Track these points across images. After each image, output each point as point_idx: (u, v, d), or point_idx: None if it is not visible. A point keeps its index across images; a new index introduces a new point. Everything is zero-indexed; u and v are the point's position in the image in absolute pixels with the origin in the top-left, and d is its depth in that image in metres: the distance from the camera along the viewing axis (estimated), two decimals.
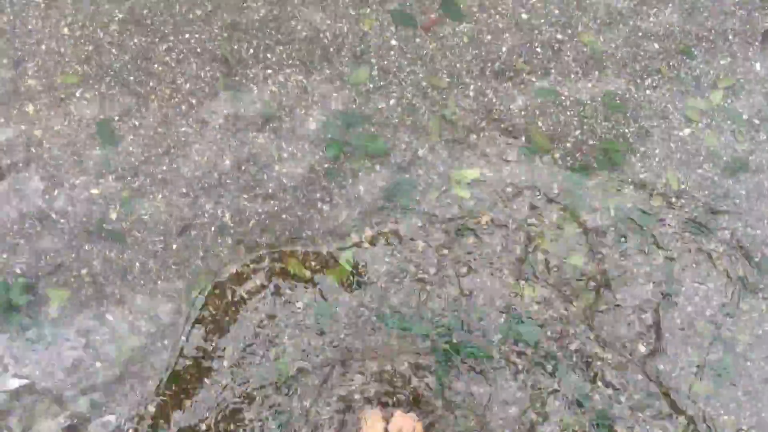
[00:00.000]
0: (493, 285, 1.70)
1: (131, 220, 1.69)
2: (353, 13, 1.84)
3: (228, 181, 1.73)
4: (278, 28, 1.82)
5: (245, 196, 1.72)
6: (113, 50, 1.77)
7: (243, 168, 1.74)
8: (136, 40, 1.78)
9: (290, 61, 1.80)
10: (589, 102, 1.83)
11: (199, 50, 1.79)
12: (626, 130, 1.82)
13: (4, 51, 1.75)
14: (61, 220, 1.69)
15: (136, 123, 1.75)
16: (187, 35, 1.80)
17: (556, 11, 1.88)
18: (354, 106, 1.79)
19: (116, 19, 1.79)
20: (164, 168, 1.73)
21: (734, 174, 1.79)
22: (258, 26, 1.82)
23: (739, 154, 1.81)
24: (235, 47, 1.79)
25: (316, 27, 1.82)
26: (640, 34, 1.88)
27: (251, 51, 1.80)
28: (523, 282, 1.70)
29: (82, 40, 1.77)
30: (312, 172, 1.75)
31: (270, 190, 1.73)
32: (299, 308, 1.66)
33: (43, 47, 1.77)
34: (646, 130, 1.82)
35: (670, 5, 1.90)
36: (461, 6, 1.86)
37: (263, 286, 1.68)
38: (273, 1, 1.83)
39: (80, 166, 1.72)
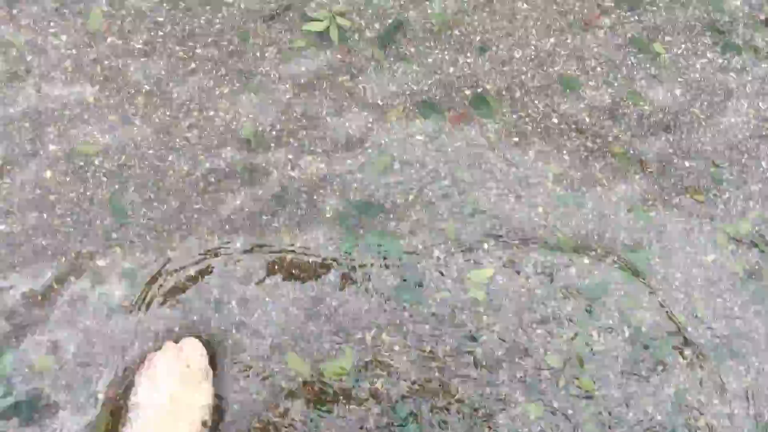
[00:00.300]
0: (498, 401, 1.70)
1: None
2: (380, 102, 1.86)
3: (236, 267, 1.75)
4: (304, 112, 1.85)
5: (254, 283, 1.73)
6: (136, 121, 1.81)
7: (253, 251, 1.76)
8: (160, 113, 1.82)
9: (312, 147, 1.83)
10: (612, 215, 1.84)
11: (222, 130, 1.82)
12: (648, 250, 1.82)
13: (27, 113, 1.79)
14: (62, 291, 1.70)
15: (151, 195, 1.77)
16: (212, 113, 1.83)
17: (587, 119, 1.89)
18: (372, 199, 1.80)
19: (143, 90, 1.82)
20: (174, 244, 1.75)
21: (757, 308, 1.79)
22: (284, 109, 1.84)
23: (764, 285, 1.81)
24: (259, 129, 1.82)
25: (343, 112, 1.85)
26: (671, 150, 1.89)
27: (274, 133, 1.83)
28: (530, 402, 1.70)
29: (107, 109, 1.81)
30: (322, 266, 1.76)
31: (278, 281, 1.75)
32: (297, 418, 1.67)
33: (67, 113, 1.80)
34: (669, 252, 1.82)
35: (703, 122, 1.91)
36: (492, 104, 1.88)
37: (265, 378, 1.69)
38: (301, 84, 1.86)
39: (88, 236, 1.74)
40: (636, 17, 1.97)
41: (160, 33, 1.87)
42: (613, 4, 1.97)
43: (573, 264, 1.81)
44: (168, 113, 1.83)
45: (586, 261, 1.82)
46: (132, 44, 1.86)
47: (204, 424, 1.51)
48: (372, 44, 1.91)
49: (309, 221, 1.79)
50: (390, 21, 1.92)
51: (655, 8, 1.97)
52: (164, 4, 1.89)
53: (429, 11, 1.94)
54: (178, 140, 1.82)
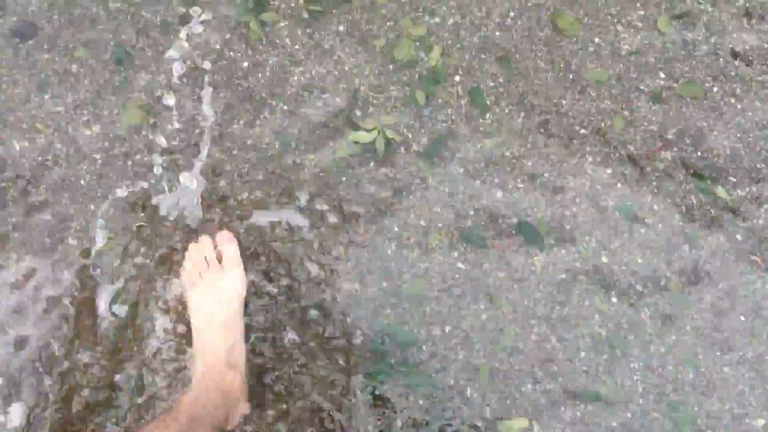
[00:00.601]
0: None
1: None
2: (423, 224, 1.81)
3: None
4: (334, 245, 1.80)
5: (270, 412, 1.67)
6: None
7: (273, 381, 1.70)
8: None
9: (347, 274, 1.77)
10: (659, 366, 1.77)
11: (254, 238, 1.76)
12: (694, 409, 1.75)
13: (50, 204, 1.74)
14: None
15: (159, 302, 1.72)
16: (245, 221, 1.77)
17: (639, 260, 1.83)
18: (407, 327, 1.74)
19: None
20: None
21: None
22: (321, 248, 1.79)
23: None
24: (297, 271, 1.77)
25: (382, 232, 1.79)
26: (725, 304, 1.82)
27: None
28: None
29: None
30: (348, 393, 1.70)
31: (296, 413, 1.68)
32: None
33: (92, 207, 1.75)
34: (717, 415, 1.74)
35: (763, 273, 1.84)
36: (539, 235, 1.81)
37: None
38: (339, 197, 1.81)
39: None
40: (699, 153, 1.91)
41: (197, 131, 1.82)
42: (675, 137, 1.91)
43: (616, 417, 1.74)
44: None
45: (629, 415, 1.75)
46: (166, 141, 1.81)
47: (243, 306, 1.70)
48: (418, 159, 1.85)
49: (337, 342, 1.73)
50: (439, 137, 1.87)
51: (719, 145, 1.91)
52: (202, 101, 1.84)
53: (481, 129, 1.88)
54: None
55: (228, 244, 1.71)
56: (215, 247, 1.72)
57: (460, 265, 1.81)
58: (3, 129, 1.77)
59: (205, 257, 1.70)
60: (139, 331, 1.69)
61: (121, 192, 1.76)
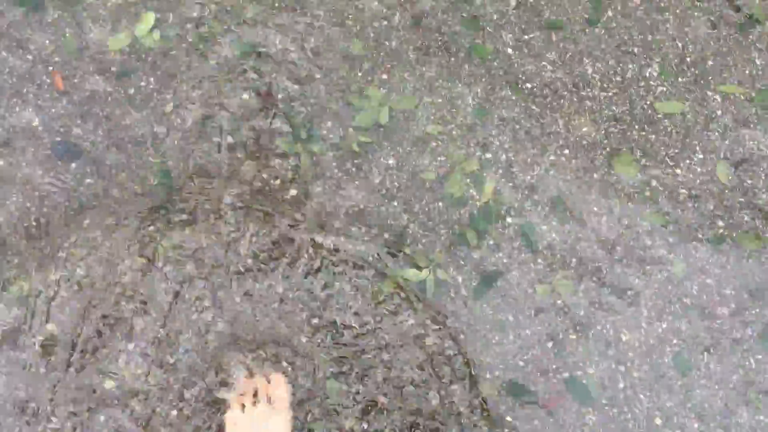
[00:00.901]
0: None
1: None
2: (473, 372, 1.76)
3: None
4: (387, 377, 1.74)
5: None
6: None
7: None
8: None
9: (387, 421, 1.72)
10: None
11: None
12: None
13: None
14: None
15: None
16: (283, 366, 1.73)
17: (696, 424, 1.77)
18: None
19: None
20: None
21: None
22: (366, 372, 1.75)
23: None
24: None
25: (429, 382, 1.75)
26: None
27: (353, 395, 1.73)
28: None
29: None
30: None
31: None
32: None
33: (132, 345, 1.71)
34: None
35: None
36: (591, 392, 1.76)
37: None
38: (383, 345, 1.76)
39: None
40: (758, 310, 1.87)
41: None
42: (734, 293, 1.87)
43: None
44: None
45: None
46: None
47: None
48: (467, 301, 1.81)
49: None
50: (489, 279, 1.83)
51: None
52: (256, 261, 1.82)
53: (532, 275, 1.85)
54: None
55: (280, 385, 1.67)
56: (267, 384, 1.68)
57: (508, 419, 1.76)
58: (43, 258, 1.75)
59: (255, 394, 1.65)
60: None
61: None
